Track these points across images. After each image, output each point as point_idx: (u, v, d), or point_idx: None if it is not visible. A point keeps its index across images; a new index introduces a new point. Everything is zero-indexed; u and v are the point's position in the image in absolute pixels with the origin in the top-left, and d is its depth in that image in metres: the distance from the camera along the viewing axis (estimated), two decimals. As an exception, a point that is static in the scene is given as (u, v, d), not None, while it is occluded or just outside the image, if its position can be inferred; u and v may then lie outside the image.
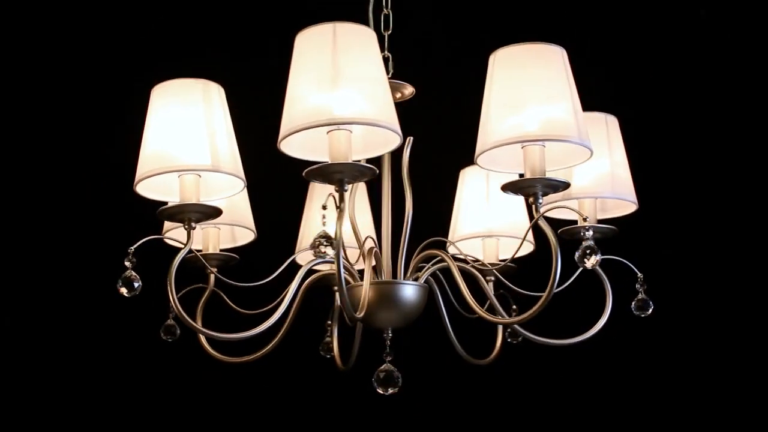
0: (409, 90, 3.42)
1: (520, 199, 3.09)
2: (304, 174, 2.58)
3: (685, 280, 4.95)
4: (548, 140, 2.77)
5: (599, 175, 3.29)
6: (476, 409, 5.30)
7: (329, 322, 3.31)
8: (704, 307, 5.01)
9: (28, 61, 4.78)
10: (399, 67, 3.42)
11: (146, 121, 2.71)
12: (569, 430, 5.13)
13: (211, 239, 3.14)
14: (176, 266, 2.80)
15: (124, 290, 2.71)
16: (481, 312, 3.03)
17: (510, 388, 5.04)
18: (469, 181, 3.52)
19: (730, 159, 4.90)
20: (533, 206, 2.84)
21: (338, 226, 2.63)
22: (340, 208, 2.60)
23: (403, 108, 3.25)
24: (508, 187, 2.75)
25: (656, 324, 4.27)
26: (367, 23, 3.27)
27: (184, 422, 5.06)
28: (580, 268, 3.09)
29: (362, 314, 2.86)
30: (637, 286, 3.16)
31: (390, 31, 3.45)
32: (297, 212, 3.70)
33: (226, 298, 3.23)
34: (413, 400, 4.66)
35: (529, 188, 2.86)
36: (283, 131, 2.53)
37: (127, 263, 2.75)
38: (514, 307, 3.44)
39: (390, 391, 3.11)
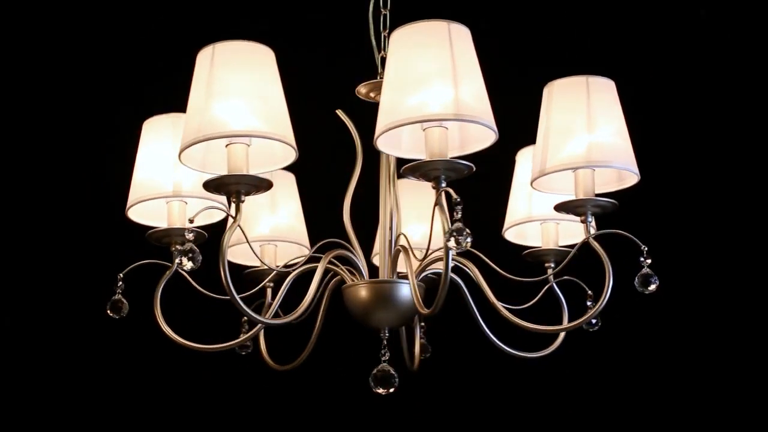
0: None
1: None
2: (203, 186, 2.14)
3: (690, 261, 4.10)
4: (415, 122, 2.12)
5: (581, 144, 2.41)
6: (476, 409, 4.29)
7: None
8: (711, 292, 4.13)
9: (25, 83, 4.09)
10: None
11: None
12: (570, 422, 4.20)
13: (268, 255, 2.66)
14: (162, 287, 2.41)
15: (112, 314, 2.31)
16: (422, 309, 2.32)
17: (509, 385, 4.14)
18: (523, 162, 2.78)
19: (731, 159, 4.11)
20: (436, 191, 2.13)
21: (228, 235, 2.16)
22: (234, 219, 2.11)
23: None
24: (408, 171, 2.09)
25: (658, 307, 3.73)
26: (367, 24, 2.69)
27: (183, 422, 4.17)
28: (573, 250, 2.45)
29: (298, 319, 2.32)
30: (641, 259, 2.29)
31: (387, 31, 2.69)
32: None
33: (189, 278, 2.54)
34: (412, 400, 3.84)
35: (431, 171, 2.14)
36: (180, 145, 2.14)
37: (116, 288, 2.32)
38: (590, 293, 2.61)
39: (387, 390, 2.38)
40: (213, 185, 2.07)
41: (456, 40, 2.07)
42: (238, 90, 2.05)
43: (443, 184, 2.10)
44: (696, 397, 3.88)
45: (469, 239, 2.02)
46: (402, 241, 2.40)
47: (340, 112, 2.51)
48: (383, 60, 2.58)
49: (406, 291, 2.38)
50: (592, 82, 2.41)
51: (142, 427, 3.91)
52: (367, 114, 2.53)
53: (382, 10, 2.64)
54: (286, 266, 2.58)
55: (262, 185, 2.08)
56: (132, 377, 3.88)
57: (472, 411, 4.06)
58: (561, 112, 2.39)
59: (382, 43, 2.62)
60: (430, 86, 2.02)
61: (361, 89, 2.51)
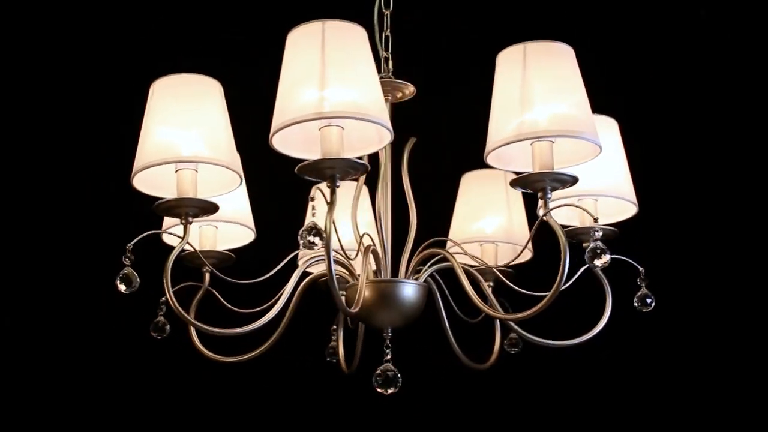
0: (409, 90, 1.95)
1: None
2: (153, 208, 1.70)
3: (686, 282, 2.93)
4: (288, 125, 1.56)
5: (514, 118, 1.60)
6: (476, 409, 3.11)
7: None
8: (706, 309, 2.96)
9: (29, 60, 3.01)
10: (400, 67, 1.97)
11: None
12: (569, 430, 3.09)
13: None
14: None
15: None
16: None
17: (510, 387, 3.00)
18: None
19: (730, 159, 3.06)
20: (330, 188, 1.61)
21: (173, 253, 1.63)
22: (182, 238, 1.66)
23: (402, 108, 1.97)
24: (301, 170, 1.59)
25: (655, 327, 2.71)
26: (371, 24, 1.96)
27: (183, 423, 3.05)
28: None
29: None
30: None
31: (387, 31, 1.97)
32: (293, 211, 2.21)
33: (219, 297, 1.87)
34: (413, 400, 2.72)
35: (326, 170, 1.60)
36: (135, 168, 1.73)
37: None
38: (641, 269, 1.85)
39: (390, 390, 1.69)
40: (162, 208, 1.74)
41: (331, 39, 1.62)
42: (183, 120, 1.72)
43: (338, 184, 1.65)
44: (692, 417, 3.07)
45: (318, 239, 1.55)
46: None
47: None
48: (385, 60, 2.03)
49: (408, 291, 1.80)
50: (531, 50, 1.69)
51: (142, 422, 3.15)
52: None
53: (384, 10, 2.07)
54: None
55: (210, 209, 1.74)
56: (132, 378, 3.13)
57: (484, 407, 3.21)
58: (500, 84, 1.75)
59: (383, 43, 2.01)
60: (300, 87, 1.60)
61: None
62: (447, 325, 1.94)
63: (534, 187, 1.66)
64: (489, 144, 1.70)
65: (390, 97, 1.93)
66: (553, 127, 1.59)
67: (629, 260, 1.80)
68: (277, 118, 1.66)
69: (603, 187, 1.79)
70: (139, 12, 3.17)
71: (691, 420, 3.12)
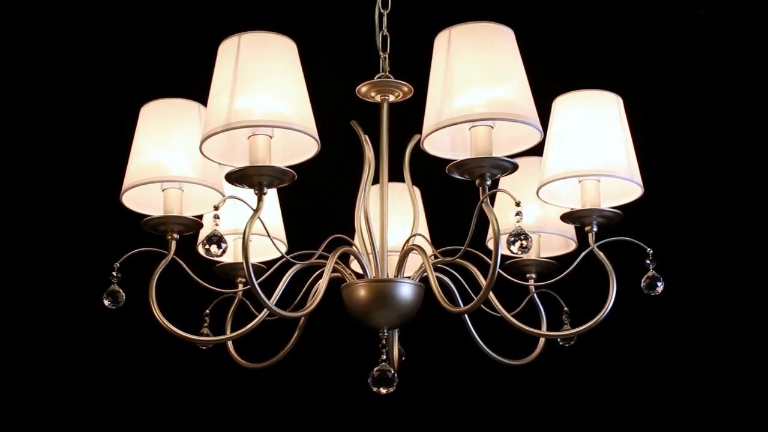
0: (407, 89, 1.90)
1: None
2: (141, 225, 1.77)
3: (695, 270, 2.81)
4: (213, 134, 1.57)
5: (436, 103, 1.55)
6: (475, 408, 2.96)
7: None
8: (712, 297, 2.84)
9: (20, 73, 2.96)
10: (400, 67, 1.92)
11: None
12: (570, 424, 2.93)
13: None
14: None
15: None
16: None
17: (509, 384, 2.82)
18: (561, 109, 1.80)
19: (729, 158, 2.92)
20: (257, 195, 1.62)
21: (158, 270, 1.69)
22: (167, 253, 1.72)
23: (401, 107, 1.92)
24: (229, 178, 1.58)
25: (662, 314, 2.62)
26: (371, 24, 1.93)
27: (183, 422, 3.00)
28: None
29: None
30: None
31: (385, 31, 1.94)
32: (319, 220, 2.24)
33: (249, 305, 1.85)
34: (410, 399, 2.61)
35: (253, 177, 1.58)
36: (123, 186, 1.78)
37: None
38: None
39: (385, 390, 1.66)
40: (149, 225, 1.80)
41: (245, 51, 1.60)
42: (168, 141, 1.77)
43: (265, 191, 1.65)
44: (697, 400, 2.94)
45: (215, 248, 1.54)
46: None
47: (354, 124, 1.94)
48: (383, 60, 1.99)
49: (405, 290, 1.75)
50: (456, 33, 1.60)
51: (141, 425, 3.12)
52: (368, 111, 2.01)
53: (382, 10, 2.02)
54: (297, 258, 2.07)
55: (192, 226, 1.80)
56: (132, 378, 3.07)
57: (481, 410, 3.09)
58: (432, 69, 1.67)
59: (379, 43, 1.98)
60: (217, 98, 1.59)
61: (362, 89, 1.91)
62: (469, 321, 1.86)
63: (472, 174, 1.56)
64: (423, 130, 1.62)
65: (389, 97, 1.88)
66: (481, 111, 1.47)
67: (635, 241, 1.66)
68: (203, 129, 1.65)
69: (604, 166, 1.65)
70: (138, 16, 3.06)
71: (698, 411, 2.90)
